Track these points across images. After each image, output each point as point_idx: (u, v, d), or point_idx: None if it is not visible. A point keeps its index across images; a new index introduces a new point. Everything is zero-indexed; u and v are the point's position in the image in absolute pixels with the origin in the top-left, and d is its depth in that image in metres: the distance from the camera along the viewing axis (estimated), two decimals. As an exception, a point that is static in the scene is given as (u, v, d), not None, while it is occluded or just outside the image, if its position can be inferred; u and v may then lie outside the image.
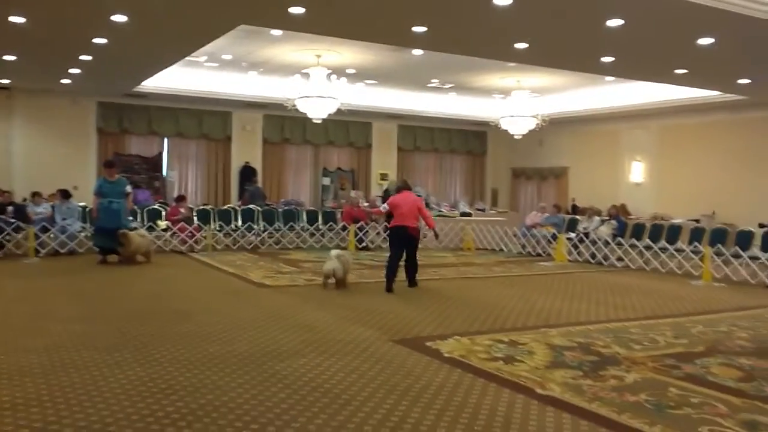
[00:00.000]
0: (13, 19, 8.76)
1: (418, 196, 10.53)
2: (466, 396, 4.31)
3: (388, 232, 9.88)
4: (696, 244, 11.53)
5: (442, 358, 5.26)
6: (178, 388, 4.32)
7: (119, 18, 8.62)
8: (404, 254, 8.94)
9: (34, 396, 4.10)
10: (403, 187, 9.57)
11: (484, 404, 4.16)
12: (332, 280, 8.79)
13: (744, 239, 11.24)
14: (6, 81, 14.23)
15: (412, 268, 9.10)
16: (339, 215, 15.21)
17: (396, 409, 4.01)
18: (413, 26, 8.76)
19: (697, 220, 14.80)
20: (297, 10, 7.94)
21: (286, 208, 15.35)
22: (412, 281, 9.12)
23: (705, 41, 9.17)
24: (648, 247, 12.14)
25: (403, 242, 8.92)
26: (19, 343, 5.42)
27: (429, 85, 15.98)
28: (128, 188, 11.10)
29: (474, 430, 3.72)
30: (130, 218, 12.59)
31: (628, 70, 11.93)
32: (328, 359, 5.12)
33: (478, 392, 4.40)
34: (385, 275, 8.77)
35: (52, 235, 11.74)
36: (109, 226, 10.72)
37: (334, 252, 9.09)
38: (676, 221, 14.26)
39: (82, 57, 11.32)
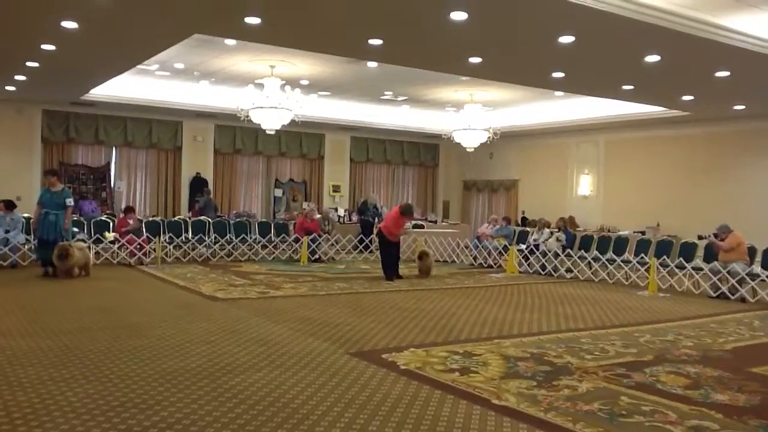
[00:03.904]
0: (-45, 23, 8.48)
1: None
2: (423, 408, 4.32)
3: None
4: (642, 255, 11.84)
5: (398, 371, 5.26)
6: (130, 405, 4.20)
7: (69, 24, 8.41)
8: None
9: (-24, 415, 3.94)
10: (401, 205, 11.91)
11: (441, 416, 4.18)
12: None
13: (687, 251, 11.61)
14: (-55, 87, 13.73)
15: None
16: (291, 227, 15.12)
17: (355, 422, 3.99)
18: (369, 39, 8.81)
19: (642, 232, 15.22)
20: (253, 21, 7.90)
21: (237, 219, 15.19)
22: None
23: (651, 59, 9.48)
24: (596, 259, 12.42)
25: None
26: (-41, 360, 5.20)
27: (382, 97, 16.06)
28: (68, 201, 10.71)
29: (433, 443, 3.73)
30: (75, 230, 12.29)
31: (577, 85, 12.23)
32: (284, 373, 5.07)
33: (435, 404, 4.42)
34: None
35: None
36: (46, 238, 10.44)
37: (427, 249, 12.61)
38: (623, 233, 14.64)
39: (29, 63, 11.01)
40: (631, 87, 11.77)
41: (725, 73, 10.34)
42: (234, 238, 14.07)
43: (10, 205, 11.98)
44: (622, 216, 16.83)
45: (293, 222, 15.48)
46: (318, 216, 15.68)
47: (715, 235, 10.86)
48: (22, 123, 15.61)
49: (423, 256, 12.19)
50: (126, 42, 9.60)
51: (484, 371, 5.32)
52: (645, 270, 11.44)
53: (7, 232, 11.60)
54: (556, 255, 12.94)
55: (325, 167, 19.94)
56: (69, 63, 10.92)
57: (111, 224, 13.17)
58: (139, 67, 12.16)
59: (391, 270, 11.48)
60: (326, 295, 9.44)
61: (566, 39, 8.54)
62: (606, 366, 5.64)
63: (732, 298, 10.20)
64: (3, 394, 4.35)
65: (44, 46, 9.75)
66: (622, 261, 12.00)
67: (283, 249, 14.44)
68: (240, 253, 14.02)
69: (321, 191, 19.88)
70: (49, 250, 10.34)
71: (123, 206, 15.37)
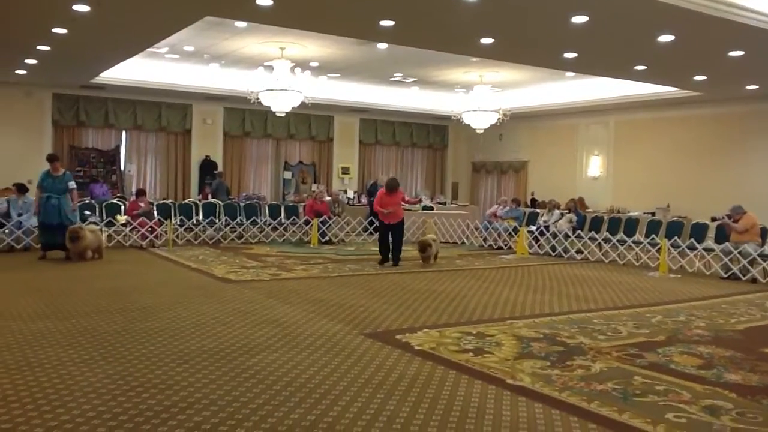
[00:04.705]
0: (-33, 7, 8.49)
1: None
2: (439, 388, 4.37)
3: None
4: (653, 236, 11.82)
5: (413, 351, 5.31)
6: (149, 385, 4.26)
7: (81, 7, 8.40)
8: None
9: (-1, 395, 4.01)
10: (386, 182, 11.35)
11: (457, 395, 4.22)
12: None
13: (699, 231, 11.59)
14: (-44, 71, 13.77)
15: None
16: (301, 209, 15.16)
17: (371, 403, 4.03)
18: (381, 20, 8.76)
19: (652, 213, 15.18)
20: (265, 2, 7.86)
21: (248, 202, 15.23)
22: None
23: (665, 38, 9.40)
24: (606, 240, 12.42)
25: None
26: (-21, 341, 5.27)
27: (392, 79, 16.01)
28: (71, 184, 10.75)
29: (449, 421, 3.77)
30: (87, 213, 12.41)
31: (589, 65, 12.13)
32: (299, 354, 5.12)
33: (450, 384, 4.46)
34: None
35: (7, 231, 11.44)
36: (48, 222, 10.52)
37: (430, 236, 12.08)
38: (633, 214, 14.61)
39: (40, 47, 11.01)
40: (644, 67, 11.68)
41: (739, 53, 10.24)
42: (244, 220, 14.12)
43: (22, 189, 12.06)
44: (631, 197, 16.79)
45: (303, 204, 15.52)
46: (327, 198, 15.71)
47: (729, 216, 10.83)
48: (32, 106, 15.66)
49: (426, 247, 11.18)
50: (137, 25, 9.60)
51: (497, 352, 5.36)
52: (656, 251, 11.43)
53: (19, 215, 11.69)
54: (566, 236, 12.94)
55: (334, 149, 19.93)
56: (80, 46, 10.92)
57: (122, 207, 13.24)
58: (149, 50, 12.15)
59: (385, 253, 11.01)
60: (338, 277, 9.49)
61: (579, 19, 8.47)
62: (619, 346, 5.67)
63: (743, 278, 10.19)
64: (25, 375, 4.41)
65: (55, 30, 9.75)
66: (632, 242, 11.99)
67: (294, 231, 14.49)
68: (251, 236, 14.08)
69: (330, 173, 19.89)
70: (54, 234, 10.48)
71: (133, 189, 15.44)
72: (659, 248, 11.22)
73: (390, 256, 11.03)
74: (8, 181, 13.06)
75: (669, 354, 5.46)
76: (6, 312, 6.45)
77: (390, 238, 11.04)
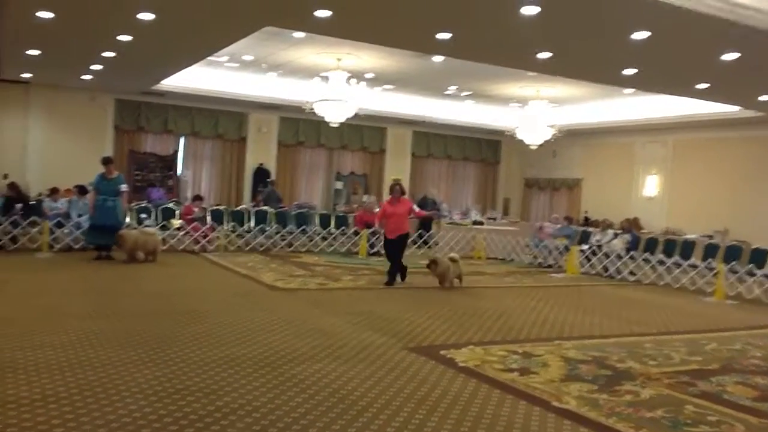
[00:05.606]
0: (41, 14, 8.78)
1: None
2: (482, 406, 4.30)
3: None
4: (710, 260, 11.45)
5: (457, 367, 5.25)
6: (194, 389, 4.32)
7: (146, 16, 8.65)
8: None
9: (51, 393, 4.11)
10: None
11: (501, 415, 4.15)
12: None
13: (759, 257, 11.17)
14: (27, 75, 14.28)
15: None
16: (351, 220, 15.22)
17: (413, 417, 4.00)
18: (438, 33, 8.75)
19: (709, 236, 14.70)
20: (323, 14, 7.95)
21: (298, 210, 15.39)
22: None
23: (730, 56, 9.11)
24: (661, 262, 12.08)
25: None
26: (35, 339, 5.43)
27: (446, 92, 15.99)
28: (123, 187, 11.07)
29: (491, 442, 3.71)
30: (143, 216, 12.75)
31: (649, 83, 11.85)
32: (343, 365, 5.12)
33: (494, 403, 4.39)
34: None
35: (66, 231, 11.81)
36: (102, 223, 10.81)
37: (453, 255, 10.60)
38: (689, 237, 14.19)
39: (106, 54, 11.37)
40: (707, 85, 11.34)
41: (808, 73, 9.88)
42: (295, 228, 14.25)
43: (83, 191, 12.44)
44: (688, 219, 16.26)
45: (353, 215, 15.58)
46: (378, 209, 15.72)
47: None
48: (96, 111, 16.15)
49: (431, 264, 10.04)
50: (200, 34, 9.82)
51: (544, 372, 5.26)
52: (713, 275, 11.06)
53: (79, 216, 12.05)
54: (619, 257, 12.65)
55: (386, 161, 19.97)
56: (144, 54, 11.24)
57: (177, 211, 13.53)
58: (209, 58, 12.40)
59: (392, 271, 9.99)
60: (384, 289, 9.48)
61: (640, 35, 8.29)
62: (670, 373, 5.50)
63: (806, 308, 9.79)
64: (76, 374, 4.53)
65: (121, 37, 10.06)
66: (689, 265, 11.63)
67: (343, 241, 14.55)
68: (300, 244, 14.20)
69: (381, 185, 19.91)
70: (102, 235, 10.82)
71: (188, 194, 15.74)
72: (716, 273, 10.85)
73: (390, 272, 10.00)
74: (70, 183, 13.47)
75: (723, 383, 5.27)
76: (61, 310, 6.66)
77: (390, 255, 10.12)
